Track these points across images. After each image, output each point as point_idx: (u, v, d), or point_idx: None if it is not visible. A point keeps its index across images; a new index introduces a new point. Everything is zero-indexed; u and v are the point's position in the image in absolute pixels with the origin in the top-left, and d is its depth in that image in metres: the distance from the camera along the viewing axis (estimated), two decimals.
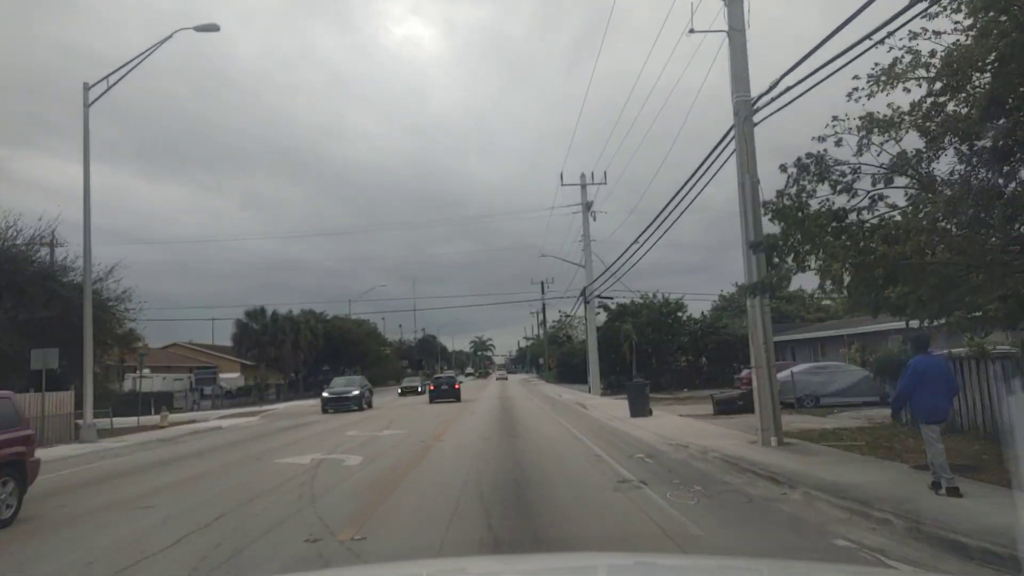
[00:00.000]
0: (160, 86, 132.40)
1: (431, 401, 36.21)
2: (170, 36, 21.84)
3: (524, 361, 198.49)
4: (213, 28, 21.72)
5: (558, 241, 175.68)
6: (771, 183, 14.42)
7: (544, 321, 78.38)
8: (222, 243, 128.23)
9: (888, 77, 9.21)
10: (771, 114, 12.46)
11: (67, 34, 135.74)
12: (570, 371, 76.36)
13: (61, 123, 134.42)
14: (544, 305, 78.80)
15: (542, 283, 78.85)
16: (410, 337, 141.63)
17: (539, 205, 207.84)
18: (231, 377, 66.47)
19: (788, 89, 11.66)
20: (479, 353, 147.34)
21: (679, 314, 40.09)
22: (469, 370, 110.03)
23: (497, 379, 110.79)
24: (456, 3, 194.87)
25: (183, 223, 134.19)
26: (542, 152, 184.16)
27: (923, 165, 9.33)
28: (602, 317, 41.62)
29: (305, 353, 57.81)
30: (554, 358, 77.17)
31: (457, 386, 36.96)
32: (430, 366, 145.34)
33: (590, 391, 39.29)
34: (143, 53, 21.60)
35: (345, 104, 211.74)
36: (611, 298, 39.87)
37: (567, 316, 79.47)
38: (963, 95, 8.85)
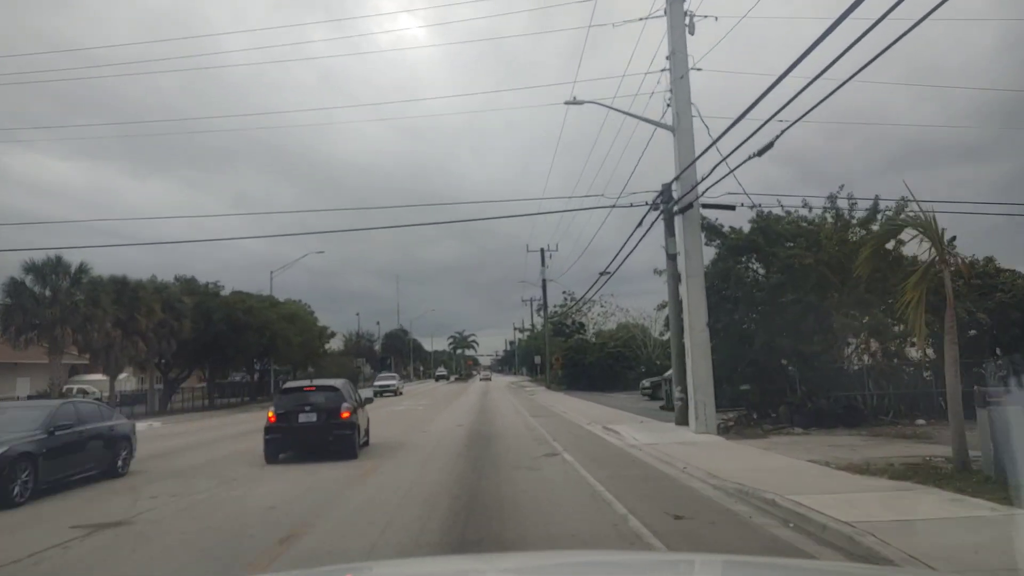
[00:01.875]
0: (149, 82, 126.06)
1: (268, 460, 13.12)
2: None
3: (512, 362, 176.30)
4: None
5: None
6: None
7: (544, 305, 55.62)
8: (209, 241, 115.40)
9: None
10: None
11: (54, 27, 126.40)
12: (582, 374, 53.70)
13: (47, 118, 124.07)
14: (545, 282, 56.00)
15: (542, 251, 56.16)
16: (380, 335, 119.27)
17: (530, 207, 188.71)
18: (102, 380, 43.71)
19: None
20: (459, 351, 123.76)
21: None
22: (441, 371, 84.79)
23: (481, 379, 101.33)
24: (450, 1, 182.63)
25: (170, 221, 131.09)
26: (534, 153, 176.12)
27: None
28: (706, 255, 18.26)
29: (157, 342, 34.56)
30: (559, 356, 54.34)
31: (345, 415, 13.30)
32: (402, 366, 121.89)
33: (691, 424, 16.15)
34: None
35: (336, 102, 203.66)
36: (731, 207, 16.81)
37: (574, 300, 56.66)
38: None
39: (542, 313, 63.05)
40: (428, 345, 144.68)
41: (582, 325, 55.80)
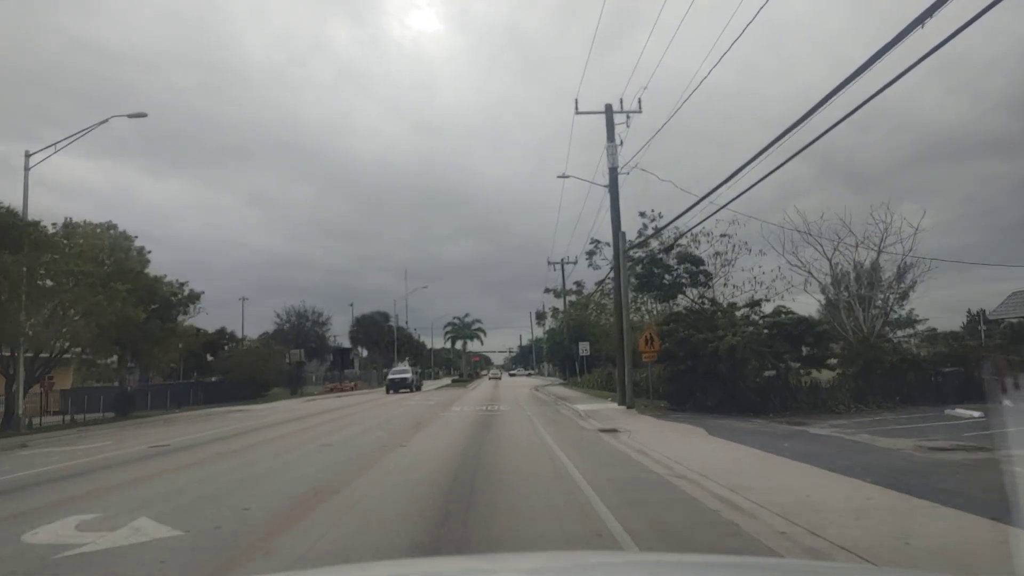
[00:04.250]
0: (168, 80, 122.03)
1: None
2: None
3: (527, 359, 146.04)
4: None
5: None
6: None
7: (615, 216, 24.73)
8: (228, 240, 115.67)
9: None
10: None
11: (75, 26, 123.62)
12: (707, 377, 22.61)
13: (67, 117, 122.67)
14: (614, 174, 25.45)
15: (608, 110, 26.03)
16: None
17: (547, 203, 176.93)
18: None
19: None
20: (457, 344, 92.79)
21: None
22: (402, 371, 49.45)
23: (490, 378, 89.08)
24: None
25: (188, 219, 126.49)
26: (551, 149, 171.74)
27: None
28: None
29: None
30: (652, 332, 23.77)
31: None
32: (383, 362, 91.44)
33: None
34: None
35: (354, 99, 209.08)
36: None
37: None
38: None
39: (617, 241, 32.86)
40: (430, 342, 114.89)
41: (699, 265, 25.00)
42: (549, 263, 58.53)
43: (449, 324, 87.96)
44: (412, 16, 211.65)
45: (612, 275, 26.71)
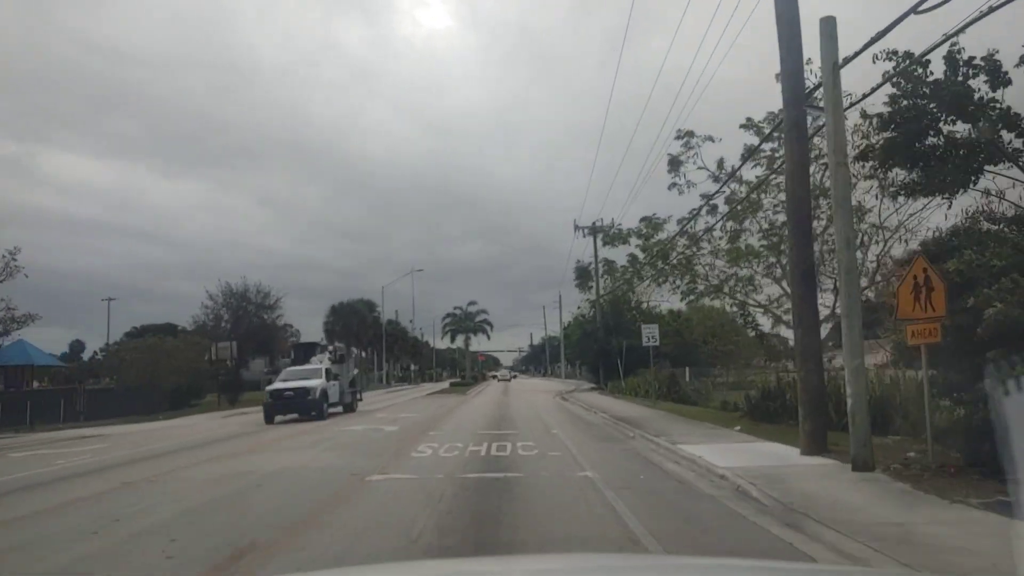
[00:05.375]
0: (177, 81, 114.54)
1: None
2: None
3: (539, 360, 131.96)
4: None
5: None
6: None
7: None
8: (236, 241, 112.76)
9: None
10: None
11: (87, 28, 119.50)
12: None
13: (78, 118, 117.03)
14: None
15: None
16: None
17: (559, 206, 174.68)
18: None
19: None
20: (458, 340, 77.07)
21: None
22: (300, 372, 26.74)
23: (499, 380, 79.22)
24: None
25: (198, 220, 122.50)
26: (564, 149, 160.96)
27: None
28: None
29: None
30: (933, 273, 8.78)
31: None
32: (367, 361, 76.54)
33: None
34: None
35: (364, 99, 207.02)
36: None
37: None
38: None
39: (680, 171, 17.61)
40: (433, 341, 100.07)
41: None
42: (576, 228, 43.63)
43: (448, 315, 73.01)
44: (422, 14, 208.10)
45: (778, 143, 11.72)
